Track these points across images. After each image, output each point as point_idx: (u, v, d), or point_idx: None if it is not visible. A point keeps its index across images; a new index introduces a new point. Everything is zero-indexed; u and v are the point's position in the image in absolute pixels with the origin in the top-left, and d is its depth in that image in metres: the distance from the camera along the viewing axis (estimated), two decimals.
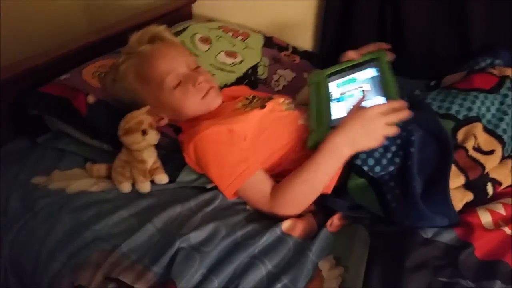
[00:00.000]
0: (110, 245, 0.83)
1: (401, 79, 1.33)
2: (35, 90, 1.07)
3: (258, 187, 0.90)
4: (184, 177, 0.99)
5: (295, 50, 1.48)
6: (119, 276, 0.79)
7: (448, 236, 0.82)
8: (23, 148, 1.09)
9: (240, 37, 1.41)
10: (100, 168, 1.00)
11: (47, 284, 0.83)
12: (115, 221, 0.88)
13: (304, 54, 1.47)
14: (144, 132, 0.94)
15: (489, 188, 0.90)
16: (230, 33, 1.41)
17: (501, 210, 0.86)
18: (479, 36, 1.31)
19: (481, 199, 0.89)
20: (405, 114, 0.87)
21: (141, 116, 0.95)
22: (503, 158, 0.93)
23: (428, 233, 0.83)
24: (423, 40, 1.39)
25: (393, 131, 0.85)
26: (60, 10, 1.66)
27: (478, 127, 0.93)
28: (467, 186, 0.89)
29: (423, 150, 0.89)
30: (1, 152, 1.07)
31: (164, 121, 1.05)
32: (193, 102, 1.02)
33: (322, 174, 0.88)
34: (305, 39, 1.57)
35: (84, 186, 0.96)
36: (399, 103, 0.89)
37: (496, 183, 0.90)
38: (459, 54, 1.36)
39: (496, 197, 0.90)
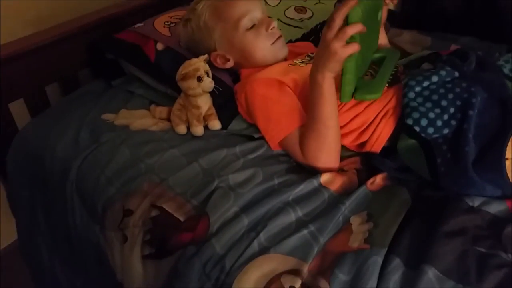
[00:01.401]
0: (159, 178, 0.91)
1: (487, 44, 1.24)
2: (111, 36, 1.17)
3: (298, 140, 0.91)
4: (235, 125, 1.03)
5: None
6: (162, 204, 0.86)
7: (497, 207, 0.77)
8: (99, 89, 1.20)
9: None
10: (162, 110, 1.08)
11: (102, 205, 0.93)
12: (167, 158, 0.95)
13: None
14: (199, 79, 0.98)
15: None
16: None
17: None
18: None
19: None
20: (354, 27, 0.76)
21: (198, 64, 0.99)
22: None
23: (475, 202, 0.78)
24: None
25: (353, 48, 0.77)
26: None
27: None
28: None
29: (484, 115, 0.82)
30: (79, 92, 1.20)
31: (230, 64, 1.08)
32: (263, 46, 1.04)
33: (318, 114, 0.86)
34: None
35: (145, 125, 1.05)
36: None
37: None
38: None
39: None
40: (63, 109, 1.16)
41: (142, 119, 1.06)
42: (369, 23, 0.81)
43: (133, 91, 1.17)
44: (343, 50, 0.77)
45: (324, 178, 0.87)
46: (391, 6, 0.97)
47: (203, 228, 0.81)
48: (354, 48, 0.77)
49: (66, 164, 1.01)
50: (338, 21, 0.76)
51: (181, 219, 0.84)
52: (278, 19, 1.28)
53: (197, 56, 1.03)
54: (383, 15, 0.96)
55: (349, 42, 0.77)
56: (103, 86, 1.22)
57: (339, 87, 0.84)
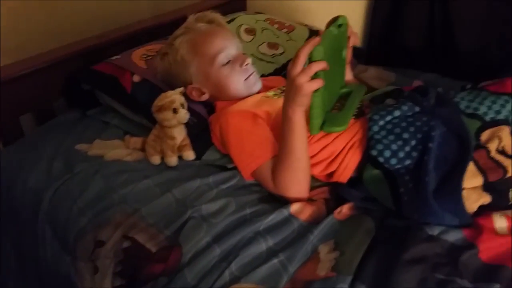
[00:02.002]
0: (132, 208, 0.92)
1: (447, 80, 1.32)
2: (88, 67, 1.19)
3: (270, 171, 0.94)
4: (209, 155, 1.06)
5: None
6: (134, 235, 0.87)
7: (454, 236, 0.81)
8: (74, 119, 1.22)
9: (285, 30, 1.45)
10: (137, 141, 1.10)
11: (73, 236, 0.93)
12: (140, 188, 0.96)
13: None
14: (175, 111, 1.01)
15: None
16: (276, 25, 1.46)
17: None
18: None
19: (502, 204, 0.86)
20: (318, 65, 0.81)
21: (174, 96, 1.02)
22: None
23: (435, 231, 0.82)
24: (473, 41, 1.34)
25: (317, 83, 0.81)
26: None
27: (504, 130, 0.90)
28: (486, 188, 0.86)
29: (443, 147, 0.88)
30: (54, 122, 1.21)
31: (205, 97, 1.11)
32: (237, 82, 1.08)
33: (289, 146, 0.89)
34: None
35: (119, 155, 1.06)
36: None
37: None
38: (510, 59, 1.30)
39: None
40: (37, 139, 1.16)
41: (116, 150, 1.08)
42: (333, 60, 0.86)
43: (108, 122, 1.19)
44: (309, 85, 0.81)
45: (294, 207, 0.90)
46: (357, 43, 1.03)
47: (175, 259, 0.82)
48: (319, 83, 0.81)
49: (38, 195, 1.01)
50: (302, 58, 0.81)
51: (153, 250, 0.85)
52: (252, 54, 1.33)
53: (173, 88, 1.07)
54: (348, 54, 1.02)
55: (314, 78, 0.81)
56: (78, 116, 1.23)
57: (308, 120, 0.88)
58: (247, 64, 1.08)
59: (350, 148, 0.96)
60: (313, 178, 0.98)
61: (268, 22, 1.47)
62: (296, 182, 0.92)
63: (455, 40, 1.37)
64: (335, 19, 0.91)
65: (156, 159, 1.04)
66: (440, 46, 1.40)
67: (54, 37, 1.35)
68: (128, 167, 1.02)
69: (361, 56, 1.48)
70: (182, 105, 1.03)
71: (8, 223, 1.08)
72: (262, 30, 1.42)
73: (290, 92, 0.85)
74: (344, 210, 0.90)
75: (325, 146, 0.97)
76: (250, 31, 1.41)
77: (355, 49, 1.47)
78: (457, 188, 0.82)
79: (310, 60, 0.81)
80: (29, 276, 1.09)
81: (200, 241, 0.83)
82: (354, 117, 0.98)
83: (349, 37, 0.98)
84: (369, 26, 1.50)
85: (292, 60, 0.82)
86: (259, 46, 1.37)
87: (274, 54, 1.36)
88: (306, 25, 1.50)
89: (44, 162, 1.07)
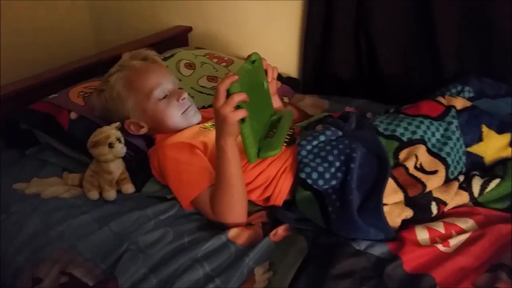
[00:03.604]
0: (69, 244, 0.92)
1: (376, 105, 1.42)
2: (25, 107, 1.20)
3: (208, 199, 0.97)
4: (149, 187, 1.08)
5: (278, 76, 1.56)
6: (72, 270, 0.87)
7: (380, 249, 0.86)
8: (12, 158, 1.20)
9: (224, 63, 1.51)
10: (74, 177, 1.10)
11: (10, 276, 0.92)
12: (77, 224, 0.96)
13: (286, 80, 1.56)
14: (110, 145, 1.03)
15: (433, 207, 0.93)
16: (215, 60, 1.52)
17: (440, 228, 0.89)
18: (451, 63, 1.36)
19: (425, 217, 0.92)
20: (238, 96, 0.85)
21: (109, 131, 1.04)
22: (449, 180, 0.96)
23: (362, 245, 0.87)
24: (396, 67, 1.45)
25: (241, 114, 0.86)
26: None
27: (421, 148, 0.98)
28: (408, 203, 0.93)
29: (364, 167, 0.95)
30: None
31: (144, 130, 1.14)
32: (175, 115, 1.12)
33: (224, 174, 0.93)
34: (290, 68, 1.67)
35: (57, 192, 1.06)
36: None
37: (440, 202, 0.93)
38: (432, 81, 1.41)
39: (443, 216, 0.93)
40: None
41: (53, 187, 1.08)
42: (254, 92, 0.92)
43: (46, 159, 1.18)
44: (233, 114, 0.86)
45: (232, 233, 0.93)
46: (275, 75, 1.08)
47: None
48: (243, 112, 0.86)
49: None
50: (222, 91, 0.86)
51: (90, 284, 0.85)
52: (192, 88, 1.38)
53: (110, 124, 1.09)
54: (271, 84, 1.08)
55: (237, 109, 0.87)
56: (17, 155, 1.22)
57: (244, 151, 0.92)
58: (183, 99, 1.12)
59: (283, 172, 1.01)
60: (252, 203, 1.02)
61: (207, 56, 1.53)
62: (233, 209, 0.96)
63: (380, 67, 1.48)
64: (249, 56, 0.98)
65: (94, 194, 1.05)
66: (368, 73, 1.51)
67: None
68: (65, 204, 1.02)
69: (297, 86, 1.57)
70: (118, 140, 1.05)
71: None
72: (202, 64, 1.48)
73: (218, 124, 0.89)
74: (279, 231, 0.94)
75: (261, 173, 1.02)
76: (190, 66, 1.46)
77: (291, 80, 1.57)
78: (378, 204, 0.88)
79: (229, 94, 0.86)
80: None
81: (136, 273, 0.84)
82: (285, 144, 1.03)
83: (266, 70, 1.04)
84: (302, 58, 1.59)
85: (214, 94, 0.87)
86: (199, 79, 1.42)
87: (213, 86, 1.41)
88: (244, 59, 1.57)
89: None
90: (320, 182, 0.94)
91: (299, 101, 1.48)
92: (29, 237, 0.95)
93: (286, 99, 1.45)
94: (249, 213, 0.99)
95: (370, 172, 0.93)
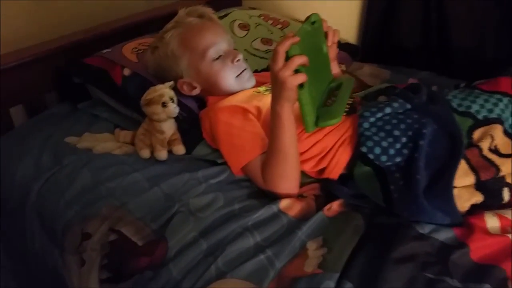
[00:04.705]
0: (119, 202, 0.91)
1: (442, 78, 1.31)
2: (79, 60, 1.18)
3: (259, 167, 0.93)
4: (199, 150, 1.05)
5: None
6: (121, 228, 0.86)
7: (445, 234, 0.80)
8: (64, 112, 1.21)
9: (279, 26, 1.44)
10: (126, 134, 1.09)
11: (61, 228, 0.92)
12: (128, 182, 0.95)
13: (343, 46, 1.46)
14: (164, 105, 1.00)
15: (505, 194, 0.85)
16: (270, 21, 1.45)
17: None
18: None
19: (494, 204, 0.85)
20: (298, 59, 0.80)
21: (163, 90, 1.01)
22: None
23: (425, 229, 0.81)
24: (468, 39, 1.33)
25: (301, 78, 0.80)
26: None
27: (497, 129, 0.89)
28: (478, 187, 0.85)
29: (434, 145, 0.87)
30: (45, 114, 1.19)
31: (196, 91, 1.10)
32: (228, 77, 1.07)
33: (278, 142, 0.88)
34: (349, 33, 1.56)
35: (109, 148, 1.05)
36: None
37: None
38: (506, 57, 1.29)
39: None
40: (27, 131, 1.15)
41: (105, 143, 1.07)
42: (313, 56, 0.85)
43: (98, 115, 1.17)
44: (293, 78, 0.80)
45: (283, 203, 0.89)
46: (337, 39, 1.01)
47: (161, 253, 0.81)
48: (302, 77, 0.80)
49: (26, 187, 1.00)
50: (282, 53, 0.80)
51: (139, 243, 0.84)
52: (245, 50, 1.32)
53: (163, 82, 1.06)
54: (332, 49, 1.00)
55: (296, 73, 0.80)
56: (68, 109, 1.22)
57: (301, 119, 0.86)
58: (238, 60, 1.07)
59: (341, 144, 0.95)
60: (304, 174, 0.97)
61: (262, 18, 1.46)
62: (286, 178, 0.91)
63: (450, 39, 1.36)
64: (308, 17, 0.90)
65: (145, 153, 1.03)
66: (435, 44, 1.39)
67: (48, 30, 1.34)
68: (117, 161, 1.01)
69: (356, 53, 1.47)
70: (171, 99, 1.02)
71: None
72: (256, 25, 1.41)
73: (275, 88, 0.84)
74: (334, 206, 0.89)
75: (316, 142, 0.96)
76: (244, 27, 1.40)
77: (350, 46, 1.48)
78: (448, 187, 0.81)
79: (288, 56, 0.80)
80: (17, 269, 1.08)
81: (187, 236, 0.82)
82: (345, 113, 0.97)
83: (326, 33, 0.97)
84: (364, 24, 1.49)
85: (272, 56, 0.81)
86: (252, 41, 1.36)
87: (267, 50, 1.35)
88: (301, 22, 1.49)
89: (33, 154, 1.06)
90: (383, 158, 0.87)
91: (357, 70, 1.39)
92: (79, 192, 0.95)
93: (343, 67, 1.36)
94: (301, 185, 0.95)
95: (440, 151, 0.86)
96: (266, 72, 1.28)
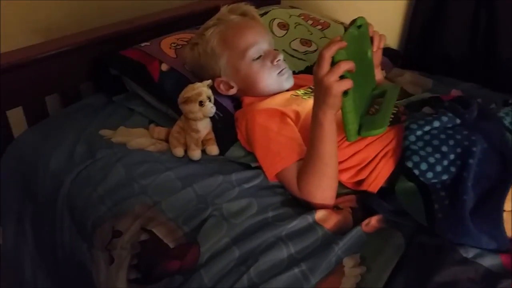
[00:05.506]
0: (152, 200, 0.89)
1: (486, 91, 1.25)
2: (117, 52, 1.17)
3: (295, 174, 0.90)
4: (233, 152, 1.02)
5: None
6: (153, 228, 0.85)
7: (491, 261, 0.75)
8: (99, 103, 1.20)
9: (319, 26, 1.40)
10: (161, 131, 1.07)
11: (91, 224, 0.91)
12: (162, 180, 0.93)
13: (384, 51, 1.41)
14: (201, 104, 0.98)
15: None
16: (310, 22, 1.41)
17: None
18: None
19: None
20: (345, 64, 0.77)
21: (201, 88, 0.99)
22: None
23: (470, 253, 0.77)
24: None
25: (347, 83, 0.77)
26: None
27: None
28: None
29: (484, 164, 0.82)
30: (79, 105, 1.19)
31: (233, 91, 1.08)
32: (268, 77, 1.05)
33: (318, 151, 0.85)
34: (391, 38, 1.51)
35: (143, 144, 1.04)
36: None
37: None
38: None
39: None
40: (61, 121, 1.14)
41: (140, 138, 1.05)
42: (358, 61, 0.82)
43: (133, 109, 1.16)
44: (338, 85, 0.77)
45: (319, 215, 0.86)
46: (383, 44, 0.97)
47: (192, 258, 0.79)
48: (348, 83, 0.77)
49: (59, 178, 0.99)
50: (328, 58, 0.77)
51: (171, 245, 0.82)
52: (283, 50, 1.29)
53: (201, 80, 1.03)
54: (376, 55, 0.96)
55: (341, 79, 0.77)
56: (103, 100, 1.21)
57: (343, 127, 0.83)
58: (278, 60, 1.04)
59: (383, 156, 0.91)
60: (341, 184, 0.93)
61: (302, 17, 1.42)
62: (322, 189, 0.88)
63: (499, 51, 1.30)
64: (354, 21, 0.87)
65: (179, 151, 1.01)
66: (481, 54, 1.33)
67: (86, 21, 1.34)
68: (150, 157, 1.00)
69: (397, 59, 1.42)
70: (208, 98, 1.00)
71: (28, 202, 1.07)
72: (296, 25, 1.38)
73: (319, 94, 0.80)
74: (373, 222, 0.85)
75: (356, 152, 0.92)
76: (283, 26, 1.36)
77: (391, 51, 1.42)
78: (498, 210, 0.77)
79: (334, 61, 0.77)
80: (45, 261, 1.08)
81: (219, 242, 0.80)
82: (389, 124, 0.92)
83: (372, 38, 0.93)
84: (407, 29, 1.44)
85: (317, 61, 0.78)
86: (291, 42, 1.33)
87: (306, 51, 1.31)
88: (342, 23, 1.45)
89: (67, 145, 1.05)
90: (429, 174, 0.83)
91: (397, 76, 1.34)
92: (112, 187, 0.94)
93: (383, 73, 1.32)
94: (337, 195, 0.91)
95: (490, 172, 0.81)
96: (304, 75, 1.25)
